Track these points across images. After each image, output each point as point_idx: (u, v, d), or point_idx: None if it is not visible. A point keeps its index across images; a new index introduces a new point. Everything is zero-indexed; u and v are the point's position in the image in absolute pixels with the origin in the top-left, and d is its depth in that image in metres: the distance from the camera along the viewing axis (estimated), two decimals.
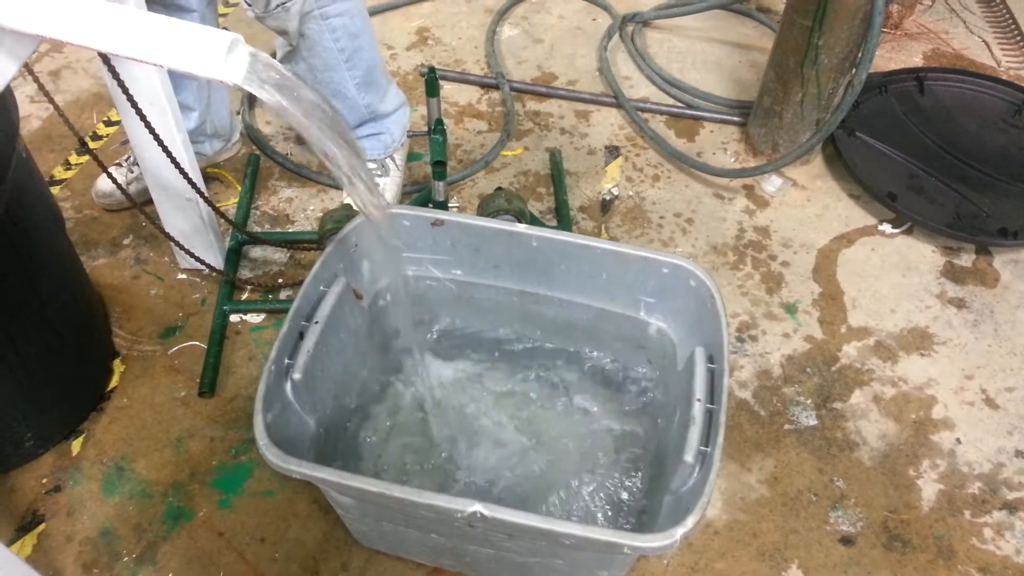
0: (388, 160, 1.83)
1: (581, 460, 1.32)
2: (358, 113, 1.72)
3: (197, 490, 1.36)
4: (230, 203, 1.83)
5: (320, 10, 1.50)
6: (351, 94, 1.67)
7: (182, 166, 1.40)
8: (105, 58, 1.24)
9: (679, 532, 0.88)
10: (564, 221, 1.79)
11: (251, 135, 1.98)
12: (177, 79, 1.45)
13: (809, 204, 1.89)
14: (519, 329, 1.39)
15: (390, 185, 1.83)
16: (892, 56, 2.33)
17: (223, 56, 0.70)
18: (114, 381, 1.51)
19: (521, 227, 1.22)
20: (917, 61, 2.32)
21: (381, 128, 1.78)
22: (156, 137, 1.35)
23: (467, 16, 2.41)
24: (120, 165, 1.77)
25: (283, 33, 1.51)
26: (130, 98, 1.30)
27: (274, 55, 2.14)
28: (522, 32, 2.37)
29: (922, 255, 1.79)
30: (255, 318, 1.61)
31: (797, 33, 1.74)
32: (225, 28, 2.19)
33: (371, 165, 1.81)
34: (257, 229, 1.78)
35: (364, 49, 1.62)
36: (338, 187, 1.86)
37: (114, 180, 1.47)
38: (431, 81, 1.42)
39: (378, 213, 1.00)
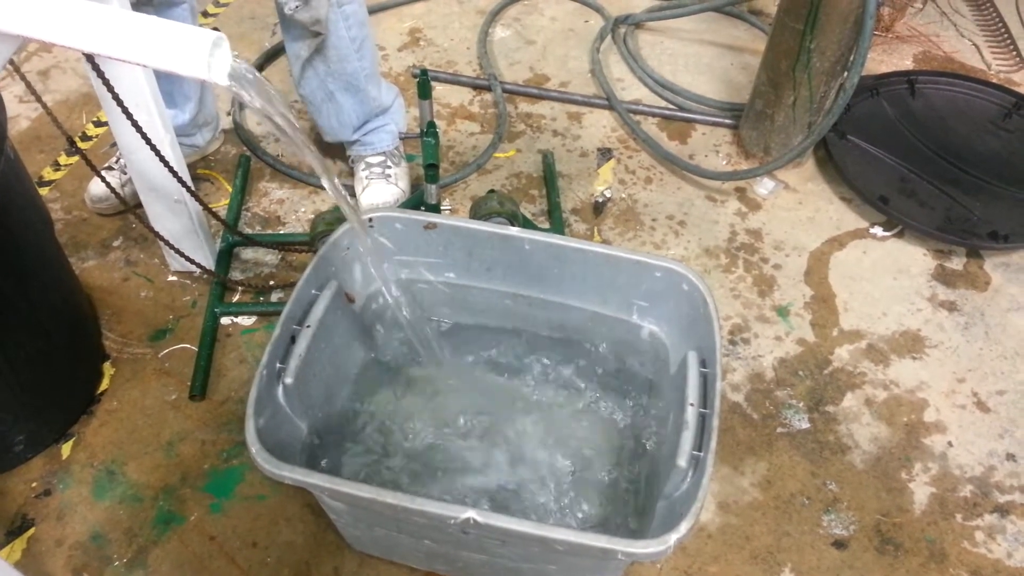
0: (395, 150, 1.84)
1: (574, 461, 1.32)
2: (368, 108, 1.72)
3: (188, 494, 1.35)
4: (221, 204, 1.82)
5: None
6: (362, 86, 1.67)
7: (171, 166, 1.39)
8: (91, 59, 1.23)
9: (673, 538, 0.88)
10: (556, 224, 1.78)
11: (241, 136, 1.97)
12: None
13: (801, 207, 1.90)
14: (512, 331, 1.38)
15: (402, 174, 1.83)
16: (883, 59, 2.33)
17: (206, 56, 0.70)
18: (104, 384, 1.49)
19: (514, 230, 1.22)
20: (908, 64, 2.33)
21: (388, 119, 1.80)
22: (144, 137, 1.34)
23: (459, 17, 2.41)
24: (111, 168, 1.76)
25: (316, 23, 1.48)
26: (117, 99, 1.28)
27: (258, 61, 2.13)
28: (514, 33, 2.37)
29: (913, 258, 1.80)
30: (246, 320, 1.60)
31: (789, 36, 1.74)
32: (216, 28, 2.17)
33: (380, 159, 1.81)
34: (248, 231, 1.78)
35: (369, 38, 1.62)
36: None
37: (108, 185, 1.46)
38: (423, 83, 1.42)
39: (359, 218, 1.00)
